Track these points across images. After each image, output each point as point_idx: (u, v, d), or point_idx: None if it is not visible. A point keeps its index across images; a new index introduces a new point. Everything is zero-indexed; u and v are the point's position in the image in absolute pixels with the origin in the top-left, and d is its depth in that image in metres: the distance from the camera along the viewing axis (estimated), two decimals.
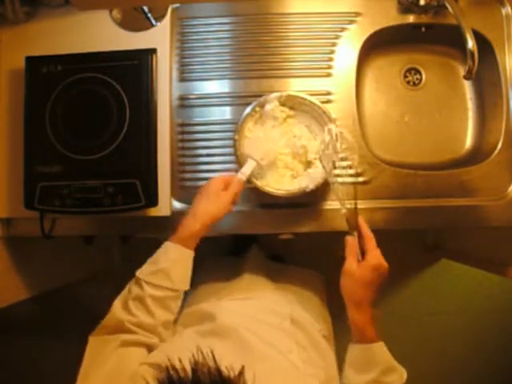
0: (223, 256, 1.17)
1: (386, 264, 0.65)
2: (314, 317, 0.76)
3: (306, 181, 0.74)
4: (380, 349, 0.64)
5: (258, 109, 0.75)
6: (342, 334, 0.71)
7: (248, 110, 0.75)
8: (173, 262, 0.64)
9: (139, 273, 0.64)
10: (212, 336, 0.62)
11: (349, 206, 0.68)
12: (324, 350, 0.71)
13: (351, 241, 0.67)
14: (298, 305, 0.76)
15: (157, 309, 0.62)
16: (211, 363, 0.46)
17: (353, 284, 0.65)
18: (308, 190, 0.72)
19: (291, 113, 0.77)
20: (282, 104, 0.76)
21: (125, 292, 0.64)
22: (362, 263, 0.65)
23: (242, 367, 0.46)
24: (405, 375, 0.64)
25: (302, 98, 0.75)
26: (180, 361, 0.47)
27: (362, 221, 0.68)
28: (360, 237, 0.67)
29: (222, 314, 0.66)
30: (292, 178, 0.76)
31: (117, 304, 0.63)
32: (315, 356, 0.67)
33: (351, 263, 0.65)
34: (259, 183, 0.74)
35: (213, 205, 0.67)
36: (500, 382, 1.53)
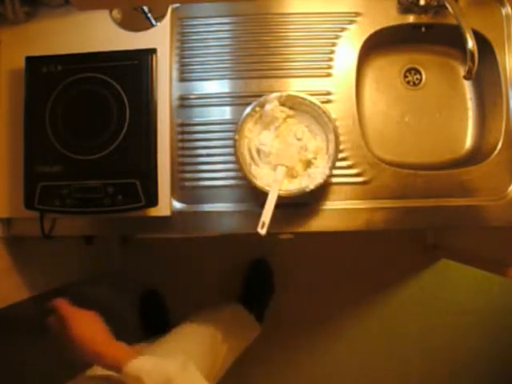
0: (216, 306, 1.24)
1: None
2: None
3: (306, 181, 0.74)
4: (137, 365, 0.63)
5: (257, 109, 0.75)
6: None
7: (248, 110, 0.75)
8: None
9: None
10: None
11: None
12: None
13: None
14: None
15: None
16: None
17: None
18: (308, 190, 0.72)
19: (291, 113, 0.77)
20: (282, 104, 0.76)
21: None
22: None
23: None
24: None
25: (301, 98, 0.75)
26: None
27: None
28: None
29: None
30: (292, 177, 0.76)
31: None
32: None
33: None
34: (259, 183, 0.74)
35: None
36: (500, 382, 1.53)
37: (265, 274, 1.53)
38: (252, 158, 0.76)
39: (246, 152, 0.76)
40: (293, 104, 0.76)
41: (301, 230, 0.79)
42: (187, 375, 0.65)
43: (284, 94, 0.74)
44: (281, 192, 0.74)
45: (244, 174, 0.74)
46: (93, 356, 0.65)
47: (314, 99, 0.74)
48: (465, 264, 1.32)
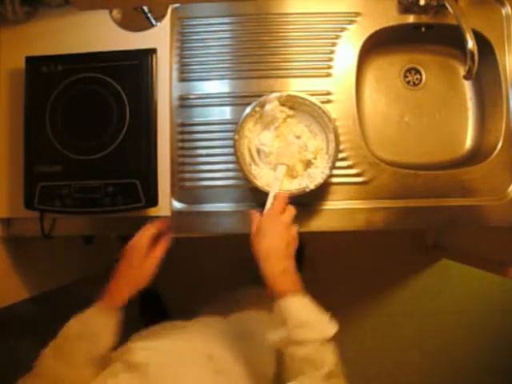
0: (232, 291, 1.16)
1: (283, 217, 0.66)
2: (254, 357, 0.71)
3: (306, 181, 0.74)
4: (288, 303, 0.59)
5: (258, 109, 0.75)
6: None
7: (248, 110, 0.75)
8: (97, 329, 0.64)
9: (62, 332, 0.64)
10: (123, 372, 0.60)
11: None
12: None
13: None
14: (229, 346, 0.71)
15: (80, 362, 0.62)
16: None
17: (256, 239, 0.65)
18: (308, 190, 0.72)
19: (291, 113, 0.77)
20: (282, 104, 0.76)
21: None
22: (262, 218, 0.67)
23: None
24: (326, 332, 0.58)
25: (302, 98, 0.75)
26: None
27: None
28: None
29: (136, 351, 0.64)
30: (292, 177, 0.76)
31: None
32: None
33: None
34: (259, 183, 0.74)
35: (134, 275, 0.68)
36: (501, 382, 1.53)
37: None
38: (252, 157, 0.76)
39: (245, 152, 0.76)
40: (293, 104, 0.76)
41: (301, 230, 0.79)
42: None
43: (284, 94, 0.74)
44: (281, 192, 0.74)
45: (244, 174, 0.74)
46: (270, 268, 0.62)
47: (314, 99, 0.74)
48: (465, 264, 1.32)
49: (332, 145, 0.73)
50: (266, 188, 0.73)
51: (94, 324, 0.65)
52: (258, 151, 0.77)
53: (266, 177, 0.75)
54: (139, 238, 0.70)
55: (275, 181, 0.73)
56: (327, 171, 0.73)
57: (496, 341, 1.56)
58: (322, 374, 0.55)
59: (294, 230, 0.67)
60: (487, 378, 1.55)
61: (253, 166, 0.76)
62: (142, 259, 0.69)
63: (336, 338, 0.59)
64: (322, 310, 0.61)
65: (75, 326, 0.65)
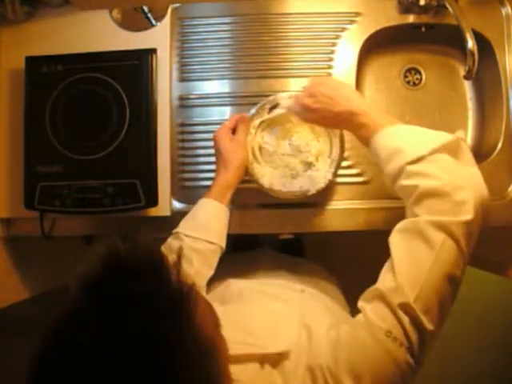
0: (236, 252, 1.15)
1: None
2: (332, 303, 0.70)
3: (307, 183, 0.74)
4: (395, 128, 0.55)
5: (267, 106, 0.75)
6: None
7: (257, 107, 0.74)
8: (211, 216, 0.67)
9: (177, 228, 0.66)
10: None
11: None
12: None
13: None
14: (314, 290, 0.71)
15: (196, 259, 0.64)
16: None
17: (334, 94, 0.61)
18: (309, 193, 0.72)
19: None
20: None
21: (163, 249, 0.66)
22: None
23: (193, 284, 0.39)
24: (448, 137, 0.51)
25: None
26: None
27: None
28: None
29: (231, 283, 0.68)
30: (292, 178, 0.76)
31: None
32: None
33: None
34: (261, 182, 0.73)
35: (233, 152, 0.69)
36: (501, 382, 1.53)
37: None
38: (254, 155, 0.76)
39: (249, 150, 0.75)
40: None
41: (301, 230, 0.79)
42: None
43: (294, 94, 0.74)
44: (283, 193, 0.73)
45: (246, 173, 0.74)
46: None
47: None
48: None
49: (336, 149, 0.73)
50: (267, 186, 0.73)
51: (209, 210, 0.68)
52: (261, 149, 0.76)
53: (267, 176, 0.75)
54: (218, 135, 0.72)
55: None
56: (329, 176, 0.73)
57: (496, 341, 1.56)
58: (456, 199, 0.47)
59: None
60: (487, 377, 1.55)
61: (255, 164, 0.75)
62: (232, 141, 0.71)
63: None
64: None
65: (186, 221, 0.68)
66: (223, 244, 0.68)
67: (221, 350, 0.38)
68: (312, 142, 0.76)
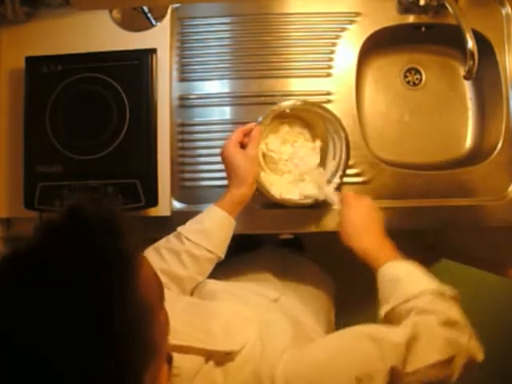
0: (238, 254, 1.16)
1: (366, 199, 0.69)
2: (312, 310, 0.73)
3: (314, 188, 0.74)
4: (397, 264, 0.61)
5: (270, 116, 0.74)
6: None
7: (260, 119, 0.73)
8: (216, 225, 0.66)
9: (181, 228, 0.66)
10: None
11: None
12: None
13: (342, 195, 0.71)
14: (294, 299, 0.73)
15: (191, 264, 0.64)
16: None
17: (346, 224, 0.67)
18: (320, 199, 0.73)
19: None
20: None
21: (161, 241, 0.67)
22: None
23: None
24: (441, 286, 0.57)
25: (320, 108, 0.74)
26: None
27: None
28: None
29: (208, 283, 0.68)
30: (299, 183, 0.76)
31: (149, 249, 0.65)
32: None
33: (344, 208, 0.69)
34: (271, 191, 0.73)
35: (247, 168, 0.68)
36: (500, 382, 1.53)
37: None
38: (260, 165, 0.75)
39: None
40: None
41: (301, 230, 0.79)
42: None
43: (298, 103, 0.74)
44: (294, 202, 0.74)
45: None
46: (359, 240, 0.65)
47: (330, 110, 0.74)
48: (465, 264, 1.32)
49: (341, 152, 0.74)
50: (279, 197, 0.73)
51: (216, 219, 0.67)
52: (264, 156, 0.76)
53: (276, 184, 0.75)
54: (227, 148, 0.69)
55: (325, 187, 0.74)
56: (338, 180, 0.74)
57: (496, 341, 1.56)
58: (440, 320, 0.51)
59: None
60: (487, 377, 1.55)
61: (261, 173, 0.75)
62: (242, 154, 0.69)
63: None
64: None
65: (192, 223, 0.68)
66: (222, 254, 0.68)
67: (159, 322, 0.39)
68: (316, 145, 0.76)
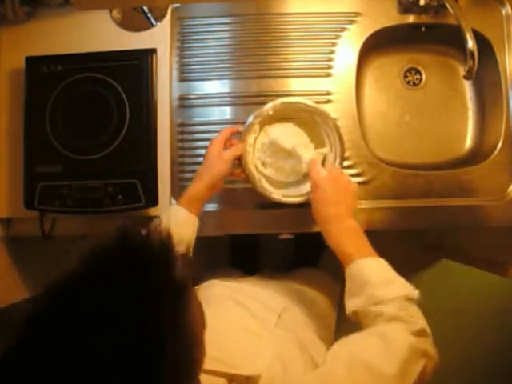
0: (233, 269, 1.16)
1: (343, 177, 0.66)
2: (312, 318, 0.72)
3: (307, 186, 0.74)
4: (367, 263, 0.58)
5: (255, 121, 0.73)
6: None
7: (247, 124, 0.73)
8: (177, 223, 0.66)
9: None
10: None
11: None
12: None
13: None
14: (296, 305, 0.73)
15: None
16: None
17: (316, 205, 0.64)
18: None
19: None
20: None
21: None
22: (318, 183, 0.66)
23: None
24: (411, 290, 0.56)
25: (305, 105, 0.74)
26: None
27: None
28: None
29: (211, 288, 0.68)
30: (299, 182, 0.76)
31: None
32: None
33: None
34: (276, 196, 0.73)
35: (214, 165, 0.68)
36: (500, 382, 1.53)
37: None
38: (259, 171, 0.75)
39: (252, 168, 0.74)
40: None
41: (301, 230, 0.79)
42: None
43: (278, 103, 0.73)
44: (295, 199, 0.74)
45: (260, 193, 0.73)
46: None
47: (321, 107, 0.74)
48: (465, 264, 1.32)
49: (336, 149, 0.73)
50: (284, 200, 0.73)
51: (179, 216, 0.67)
52: (264, 164, 0.76)
53: (278, 187, 0.75)
54: (212, 143, 0.70)
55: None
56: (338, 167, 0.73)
57: (496, 341, 1.56)
58: (413, 329, 0.52)
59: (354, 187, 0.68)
60: (487, 377, 1.55)
61: (263, 180, 0.75)
62: (218, 155, 0.69)
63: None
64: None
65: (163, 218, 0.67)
66: (185, 251, 0.67)
67: (203, 351, 0.39)
68: (310, 143, 0.76)
